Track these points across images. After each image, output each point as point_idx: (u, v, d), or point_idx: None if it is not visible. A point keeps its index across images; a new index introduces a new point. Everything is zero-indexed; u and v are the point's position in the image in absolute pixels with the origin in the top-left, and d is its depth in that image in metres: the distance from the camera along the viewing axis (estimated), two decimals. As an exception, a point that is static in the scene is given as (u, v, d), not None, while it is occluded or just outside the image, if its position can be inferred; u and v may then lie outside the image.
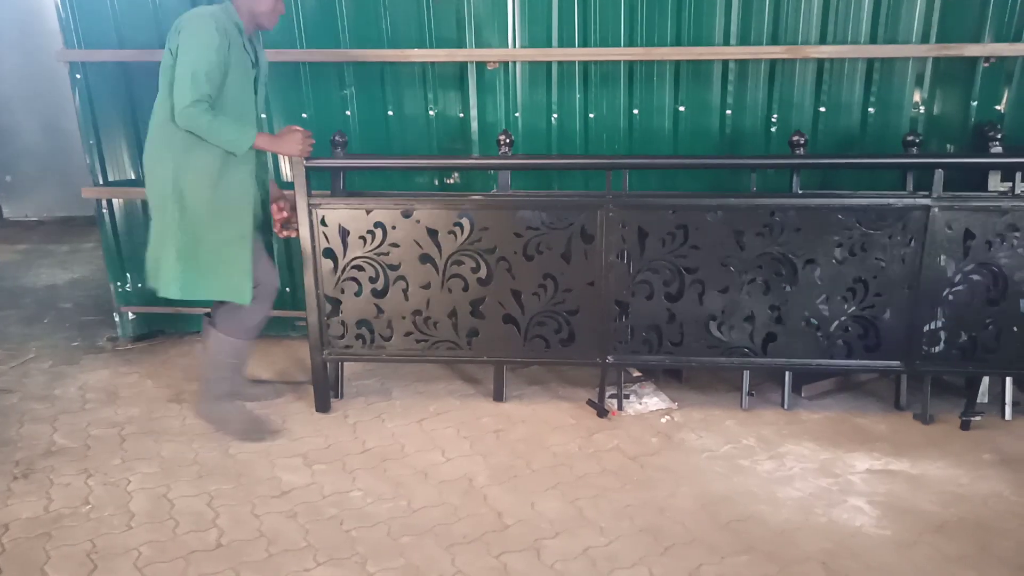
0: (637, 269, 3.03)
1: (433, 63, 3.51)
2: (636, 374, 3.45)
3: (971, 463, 2.73)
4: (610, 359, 3.10)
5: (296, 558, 2.25)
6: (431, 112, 3.59)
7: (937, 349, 2.97)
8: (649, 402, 3.23)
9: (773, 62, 3.38)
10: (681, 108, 3.49)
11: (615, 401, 3.16)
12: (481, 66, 3.49)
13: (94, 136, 3.75)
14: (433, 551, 2.28)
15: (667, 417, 3.10)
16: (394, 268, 3.08)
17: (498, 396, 3.23)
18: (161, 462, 2.78)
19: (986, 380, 3.09)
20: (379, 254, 3.06)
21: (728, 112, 3.47)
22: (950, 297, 2.93)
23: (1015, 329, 2.92)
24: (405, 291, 3.09)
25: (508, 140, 3.22)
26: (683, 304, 3.05)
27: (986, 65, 3.26)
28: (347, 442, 2.91)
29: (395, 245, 3.05)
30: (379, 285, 3.10)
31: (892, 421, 3.05)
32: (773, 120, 3.45)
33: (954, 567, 2.19)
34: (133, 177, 3.80)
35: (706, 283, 3.02)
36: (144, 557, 2.26)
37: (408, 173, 3.66)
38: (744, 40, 3.36)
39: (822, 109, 3.42)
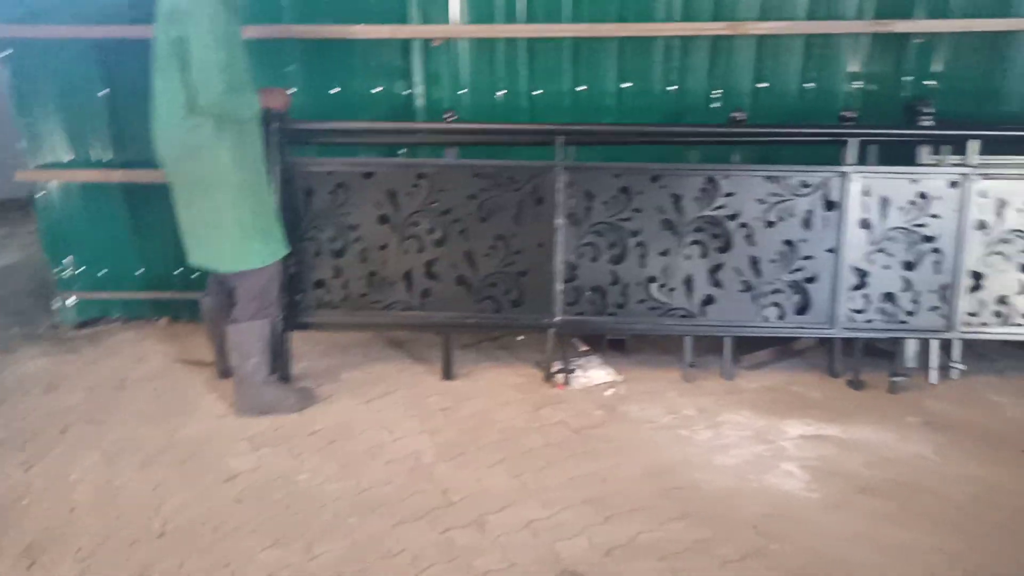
0: (583, 231, 3.13)
1: (377, 40, 3.47)
2: (583, 348, 3.51)
3: (897, 426, 2.86)
4: (558, 319, 3.17)
5: (241, 543, 2.27)
6: (375, 90, 3.55)
7: (862, 314, 3.10)
8: (595, 375, 3.30)
9: (715, 38, 3.42)
10: (626, 85, 3.52)
11: (562, 376, 3.22)
12: (426, 43, 3.47)
13: (28, 116, 3.63)
14: (379, 529, 2.32)
15: (612, 390, 3.18)
16: (353, 228, 3.19)
17: (447, 374, 3.26)
18: (104, 451, 2.75)
19: (912, 344, 3.23)
20: (342, 214, 3.18)
21: (672, 88, 3.51)
22: (867, 261, 3.06)
23: (931, 292, 3.07)
24: (362, 251, 3.21)
25: (454, 118, 3.23)
26: (626, 266, 3.15)
27: (918, 41, 3.35)
28: (295, 424, 2.92)
29: (356, 205, 3.19)
30: (338, 245, 3.21)
31: (826, 388, 3.17)
32: (715, 96, 3.50)
33: (878, 524, 2.31)
34: (71, 158, 3.69)
35: (648, 245, 3.13)
36: (86, 549, 2.25)
37: (357, 148, 3.62)
38: (687, 16, 3.39)
39: (763, 85, 3.48)
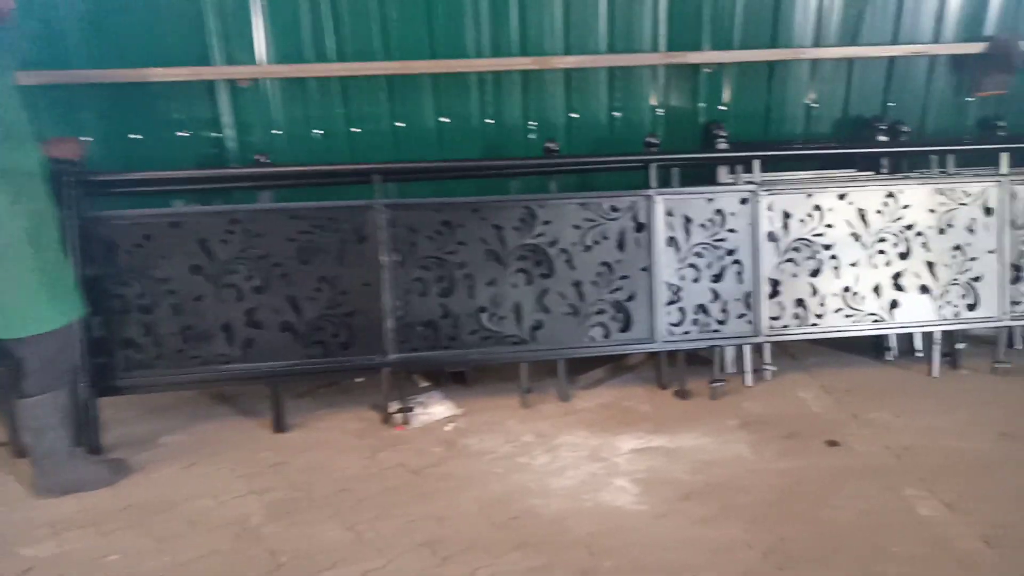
0: (410, 267, 3.12)
1: (179, 82, 3.30)
2: (424, 384, 3.48)
3: (718, 430, 3.04)
4: (391, 357, 3.12)
5: (35, 644, 2.02)
6: (181, 133, 3.38)
7: (679, 326, 3.28)
8: (436, 411, 3.27)
9: (526, 72, 3.55)
10: (444, 119, 3.57)
11: (402, 416, 3.16)
12: (232, 84, 3.34)
13: None
14: (198, 606, 2.15)
15: (452, 424, 3.16)
16: (164, 282, 3.01)
17: (279, 427, 3.11)
18: None
19: (729, 351, 3.46)
20: (150, 268, 2.99)
21: (489, 121, 3.59)
22: (679, 277, 3.26)
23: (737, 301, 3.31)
24: (176, 306, 3.01)
25: (265, 161, 3.14)
26: (455, 299, 3.16)
27: (708, 71, 3.65)
28: (104, 501, 2.66)
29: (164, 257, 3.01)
30: (147, 301, 3.01)
31: (655, 400, 3.32)
32: (531, 127, 3.63)
33: (698, 528, 2.42)
34: None
35: (475, 276, 3.16)
36: None
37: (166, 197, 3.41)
38: (496, 52, 3.50)
39: (574, 115, 3.64)
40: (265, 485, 2.74)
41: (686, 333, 3.29)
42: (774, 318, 3.35)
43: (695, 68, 3.65)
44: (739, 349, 3.43)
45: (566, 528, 2.45)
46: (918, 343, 3.66)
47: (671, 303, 3.26)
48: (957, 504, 2.50)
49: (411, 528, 2.47)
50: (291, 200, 3.17)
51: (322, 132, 3.47)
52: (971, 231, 3.43)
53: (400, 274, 3.12)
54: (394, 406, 3.17)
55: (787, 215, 3.29)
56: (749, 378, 3.42)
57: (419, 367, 3.36)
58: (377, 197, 3.09)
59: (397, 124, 3.52)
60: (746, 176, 3.39)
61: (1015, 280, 3.48)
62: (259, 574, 2.27)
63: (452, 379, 3.51)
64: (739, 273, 3.28)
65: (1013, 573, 2.17)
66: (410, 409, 3.20)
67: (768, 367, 3.47)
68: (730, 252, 3.26)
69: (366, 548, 2.38)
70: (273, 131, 3.43)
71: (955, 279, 3.44)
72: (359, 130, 3.50)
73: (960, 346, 3.57)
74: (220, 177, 3.27)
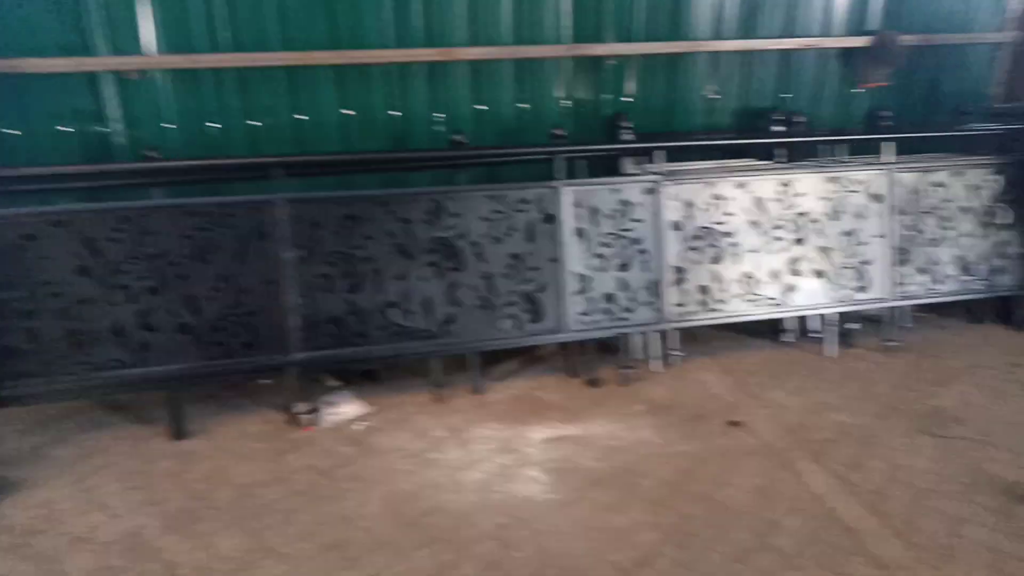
0: (315, 263, 3.04)
1: (60, 74, 3.10)
2: (333, 383, 3.40)
3: (626, 416, 3.09)
4: (296, 356, 3.03)
5: None
6: (63, 128, 3.18)
7: (588, 316, 3.33)
8: (346, 410, 3.20)
9: (432, 64, 3.51)
10: (348, 112, 3.48)
11: (309, 417, 3.08)
12: (119, 76, 3.17)
13: None
14: (86, 627, 2.04)
15: (363, 423, 3.10)
16: (47, 284, 2.82)
17: (177, 434, 2.99)
18: None
19: (638, 338, 3.53)
20: (32, 270, 2.80)
21: (394, 113, 3.53)
22: (587, 267, 3.29)
23: (644, 289, 3.38)
24: (62, 309, 2.84)
25: (156, 156, 2.99)
26: (363, 294, 3.10)
27: (611, 64, 3.69)
28: (-17, 523, 2.49)
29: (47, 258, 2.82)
30: (29, 306, 2.82)
31: (567, 390, 3.36)
32: (438, 119, 3.59)
33: (605, 514, 2.46)
34: None
35: (383, 271, 3.11)
36: None
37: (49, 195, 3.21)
38: (400, 43, 3.44)
39: (481, 107, 3.62)
40: (161, 496, 2.62)
41: (595, 322, 3.33)
42: (679, 305, 3.43)
43: (599, 61, 3.69)
44: (646, 336, 3.51)
45: (476, 522, 2.44)
46: (816, 324, 3.83)
47: (580, 293, 3.30)
48: (845, 476, 2.63)
49: (317, 531, 2.42)
50: (186, 197, 3.03)
51: (218, 126, 3.33)
52: (861, 217, 3.61)
53: (304, 270, 3.03)
54: (301, 407, 3.09)
55: (689, 204, 3.37)
56: (657, 364, 3.50)
57: (326, 365, 3.28)
58: (278, 192, 3.00)
59: (298, 117, 3.42)
60: (650, 167, 3.45)
61: (901, 262, 3.68)
62: (154, 589, 2.17)
63: (363, 377, 3.45)
64: (645, 262, 3.34)
65: (891, 535, 2.30)
66: (318, 409, 3.13)
67: (675, 353, 3.56)
68: (636, 241, 3.32)
69: (269, 555, 2.31)
70: (165, 125, 3.27)
71: (846, 263, 3.61)
72: (258, 123, 3.38)
73: (853, 326, 3.76)
74: (107, 173, 3.09)
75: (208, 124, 3.32)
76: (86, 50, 3.10)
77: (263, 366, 3.06)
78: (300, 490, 2.64)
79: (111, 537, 2.40)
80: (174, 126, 3.29)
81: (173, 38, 3.19)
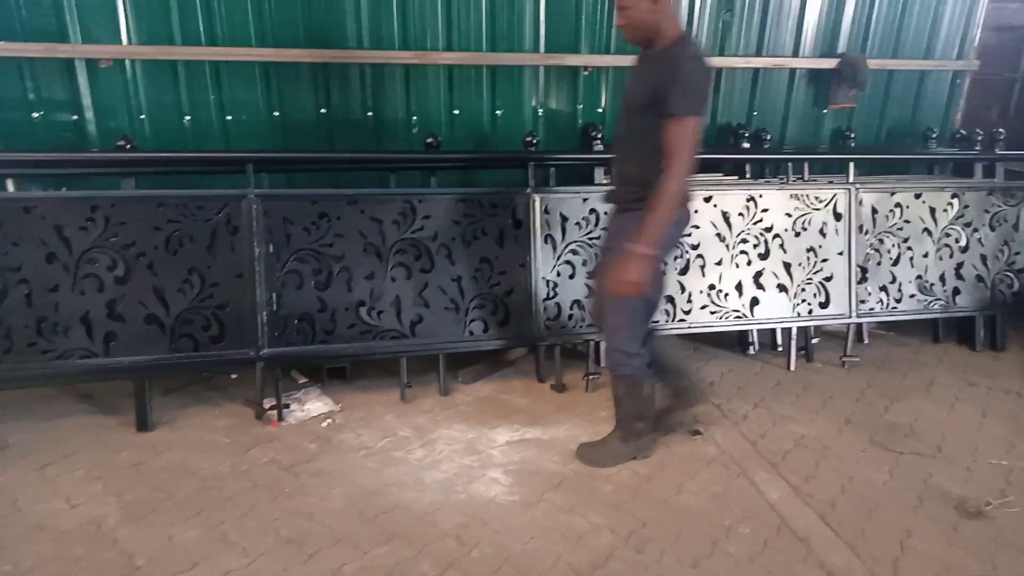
0: (285, 259, 3.05)
1: (32, 59, 3.08)
2: (301, 380, 3.41)
3: (590, 421, 3.14)
4: (264, 352, 3.04)
5: None
6: (35, 115, 3.15)
7: (556, 321, 3.38)
8: (312, 407, 3.21)
9: (408, 67, 3.54)
10: (323, 110, 3.50)
11: (276, 413, 3.09)
12: (92, 64, 3.15)
13: None
14: (41, 616, 2.03)
15: (329, 420, 3.12)
16: (14, 271, 2.81)
17: (143, 425, 2.97)
18: None
19: (605, 346, 3.58)
20: None
21: (370, 114, 3.56)
22: (555, 273, 3.34)
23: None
24: (28, 296, 2.82)
25: (129, 146, 2.98)
26: (333, 292, 3.12)
27: (586, 73, 3.76)
28: (-63, 510, 2.46)
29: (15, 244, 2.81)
30: None
31: (533, 393, 3.40)
32: (413, 122, 3.62)
33: (565, 516, 2.51)
34: None
35: (353, 270, 3.13)
36: None
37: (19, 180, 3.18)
38: (376, 44, 3.46)
39: (456, 111, 3.66)
40: (123, 486, 2.62)
41: (563, 328, 3.38)
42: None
43: (574, 71, 3.75)
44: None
45: (436, 520, 2.47)
46: (779, 338, 3.93)
47: (549, 299, 3.35)
48: (800, 486, 2.71)
49: (277, 525, 2.43)
50: (159, 189, 3.03)
51: (192, 119, 3.33)
52: (823, 234, 3.71)
53: (275, 266, 3.05)
54: (268, 402, 3.10)
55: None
56: (621, 371, 3.55)
57: (295, 362, 3.29)
58: (251, 187, 3.01)
59: (274, 113, 3.43)
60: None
61: (861, 280, 3.79)
62: (111, 579, 2.17)
63: (332, 375, 3.46)
64: (613, 270, 3.39)
65: (842, 545, 2.38)
66: (285, 405, 3.14)
67: (640, 360, 3.61)
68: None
69: (229, 547, 2.32)
70: (138, 116, 3.25)
71: (809, 279, 3.70)
72: (232, 118, 3.38)
73: (814, 341, 3.85)
74: (78, 161, 3.07)
75: (183, 117, 3.31)
76: (61, 36, 3.08)
77: (231, 360, 3.06)
78: (262, 484, 2.65)
79: (71, 526, 2.40)
80: (147, 117, 3.27)
81: (148, 28, 3.17)
